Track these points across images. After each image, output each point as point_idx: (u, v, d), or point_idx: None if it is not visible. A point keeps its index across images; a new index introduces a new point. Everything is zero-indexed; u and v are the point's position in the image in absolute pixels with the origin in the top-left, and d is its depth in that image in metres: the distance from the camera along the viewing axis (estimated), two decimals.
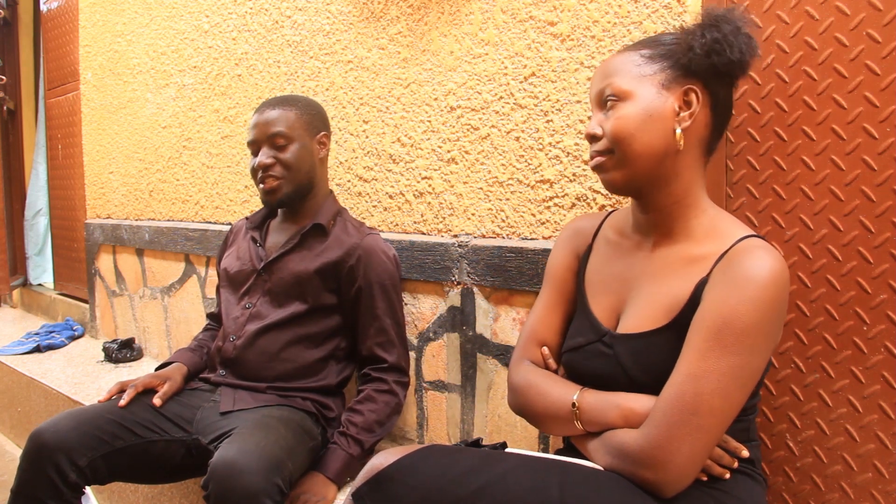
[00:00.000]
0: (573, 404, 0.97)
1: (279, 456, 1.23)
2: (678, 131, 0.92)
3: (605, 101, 0.96)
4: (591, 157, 0.98)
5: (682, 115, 0.93)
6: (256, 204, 2.13)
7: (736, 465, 0.92)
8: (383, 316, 1.52)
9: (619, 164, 0.95)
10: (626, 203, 1.23)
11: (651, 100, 0.93)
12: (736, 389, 0.85)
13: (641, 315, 0.97)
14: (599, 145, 0.96)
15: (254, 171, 1.55)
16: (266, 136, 1.52)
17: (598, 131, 0.96)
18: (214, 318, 1.77)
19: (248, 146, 1.58)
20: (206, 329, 1.78)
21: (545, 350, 1.10)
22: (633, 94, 0.93)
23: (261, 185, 1.54)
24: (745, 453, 0.92)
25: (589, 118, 1.33)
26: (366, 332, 1.52)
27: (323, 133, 1.60)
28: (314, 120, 1.59)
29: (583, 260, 1.11)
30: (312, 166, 1.57)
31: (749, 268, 0.86)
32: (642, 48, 0.97)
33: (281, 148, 1.52)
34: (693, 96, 0.93)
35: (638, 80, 0.94)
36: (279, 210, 1.66)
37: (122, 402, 1.42)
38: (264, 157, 1.51)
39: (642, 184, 0.96)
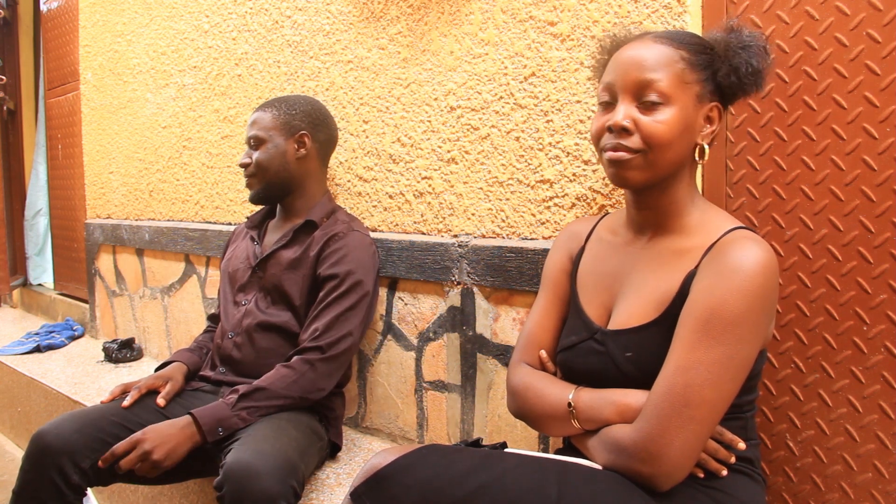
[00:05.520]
0: (569, 404, 0.97)
1: (293, 458, 1.24)
2: (706, 147, 0.96)
3: (642, 95, 0.92)
4: (613, 149, 0.93)
5: (705, 130, 0.96)
6: None
7: (733, 459, 0.93)
8: (334, 305, 1.48)
9: (648, 166, 0.93)
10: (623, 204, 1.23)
11: (690, 112, 0.94)
12: (727, 380, 0.85)
13: (631, 310, 0.98)
14: (630, 141, 0.92)
15: None
16: (247, 137, 1.63)
17: (629, 125, 0.92)
18: (214, 320, 1.78)
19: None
20: (206, 331, 1.78)
21: (543, 353, 1.10)
22: (677, 101, 0.92)
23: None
24: (742, 445, 0.93)
25: (590, 118, 1.33)
26: (313, 317, 1.48)
27: (302, 132, 1.61)
28: (293, 120, 1.61)
29: (576, 261, 1.12)
30: (284, 165, 1.60)
31: (736, 258, 0.87)
32: (681, 48, 0.93)
33: (255, 148, 1.61)
34: (716, 114, 0.96)
35: (681, 87, 0.92)
36: (278, 209, 1.71)
37: (126, 403, 1.43)
38: (243, 156, 1.62)
39: (655, 185, 0.97)
